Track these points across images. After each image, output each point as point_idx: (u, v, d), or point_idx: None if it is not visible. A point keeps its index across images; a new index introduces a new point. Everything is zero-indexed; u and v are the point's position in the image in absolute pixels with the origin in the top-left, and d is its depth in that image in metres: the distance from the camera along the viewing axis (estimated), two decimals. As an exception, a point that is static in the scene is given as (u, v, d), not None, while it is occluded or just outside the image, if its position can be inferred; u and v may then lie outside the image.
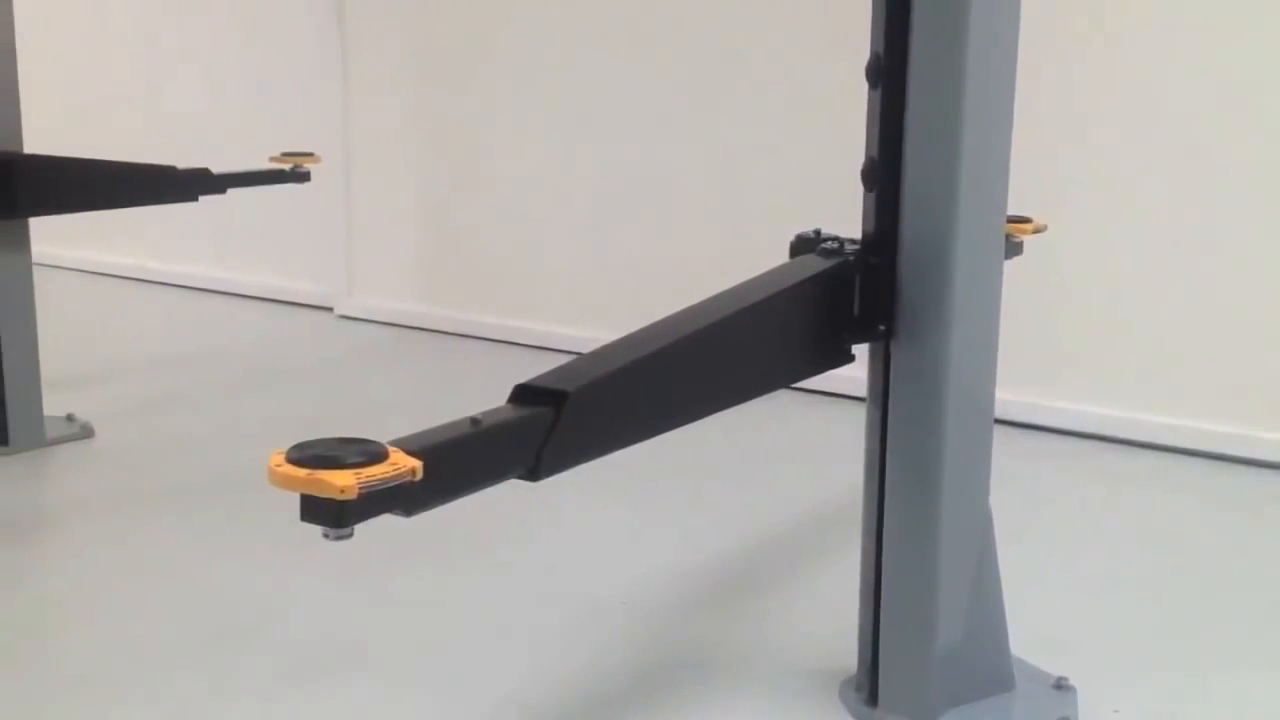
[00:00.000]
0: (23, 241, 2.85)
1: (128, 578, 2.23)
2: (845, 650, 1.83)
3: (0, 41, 2.77)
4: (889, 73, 1.59)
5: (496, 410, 1.30)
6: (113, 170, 2.99)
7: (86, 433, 2.98)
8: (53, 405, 2.95)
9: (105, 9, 4.88)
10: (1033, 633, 1.90)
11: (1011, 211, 1.69)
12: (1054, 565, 2.32)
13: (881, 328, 1.64)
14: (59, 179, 2.86)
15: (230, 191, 3.16)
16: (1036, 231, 2.08)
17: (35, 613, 2.14)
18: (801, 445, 3.04)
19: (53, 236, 3.71)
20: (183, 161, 3.07)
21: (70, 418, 3.01)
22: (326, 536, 1.14)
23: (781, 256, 1.72)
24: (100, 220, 3.52)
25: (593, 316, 3.69)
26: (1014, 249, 1.96)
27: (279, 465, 1.11)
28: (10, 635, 2.04)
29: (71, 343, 3.66)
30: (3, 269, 2.81)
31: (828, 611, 2.06)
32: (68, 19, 4.86)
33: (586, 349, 1.48)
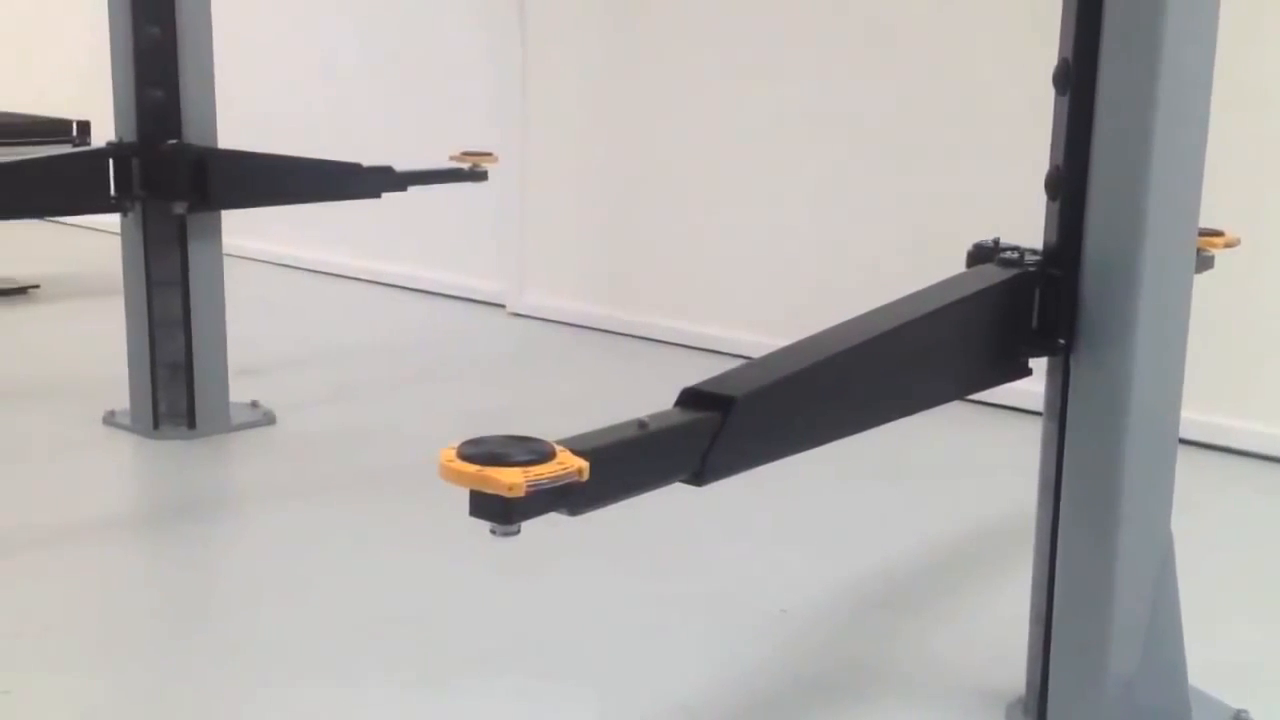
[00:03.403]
0: (214, 232, 2.95)
1: (300, 561, 2.30)
2: (1014, 671, 1.79)
3: (198, 42, 2.88)
4: (1078, 78, 1.55)
5: (664, 414, 1.30)
6: (301, 166, 3.09)
7: (269, 420, 3.07)
8: (238, 392, 3.06)
9: (295, 10, 5.05)
10: (1213, 663, 1.82)
11: (1203, 224, 1.63)
12: (1239, 593, 2.22)
13: (1061, 341, 1.60)
14: (250, 174, 2.96)
15: (410, 189, 3.24)
16: (1229, 245, 1.99)
17: (213, 589, 2.23)
18: (972, 458, 2.98)
19: (243, 228, 3.85)
20: (366, 159, 3.15)
21: (254, 404, 3.12)
22: (494, 533, 1.15)
23: (959, 266, 1.69)
24: (289, 214, 3.65)
25: (764, 321, 3.67)
26: (1204, 263, 1.88)
27: (450, 461, 1.13)
28: (188, 608, 2.13)
29: (258, 332, 3.79)
30: (195, 258, 2.91)
31: (996, 630, 2.01)
32: (260, 20, 5.04)
33: (758, 354, 1.47)
